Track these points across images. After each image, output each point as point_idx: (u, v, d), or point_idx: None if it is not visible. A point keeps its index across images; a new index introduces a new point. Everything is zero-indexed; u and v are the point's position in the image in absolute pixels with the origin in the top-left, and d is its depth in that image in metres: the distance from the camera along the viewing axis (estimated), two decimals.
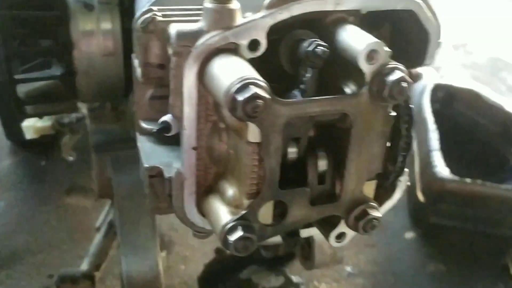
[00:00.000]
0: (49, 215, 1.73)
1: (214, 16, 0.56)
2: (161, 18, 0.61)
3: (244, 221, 0.58)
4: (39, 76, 0.96)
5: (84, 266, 1.41)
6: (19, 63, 1.14)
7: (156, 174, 0.70)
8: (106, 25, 0.95)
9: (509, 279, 1.69)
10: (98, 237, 1.46)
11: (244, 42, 0.57)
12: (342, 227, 0.66)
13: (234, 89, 0.50)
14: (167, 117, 0.67)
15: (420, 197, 1.72)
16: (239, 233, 0.57)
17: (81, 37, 0.94)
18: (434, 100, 1.93)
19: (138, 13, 0.67)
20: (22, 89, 0.98)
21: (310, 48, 0.55)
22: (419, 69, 0.65)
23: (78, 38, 0.94)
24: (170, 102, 0.59)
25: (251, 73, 0.52)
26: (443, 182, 1.59)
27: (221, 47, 0.56)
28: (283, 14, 0.58)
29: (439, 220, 1.73)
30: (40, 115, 1.06)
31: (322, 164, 0.61)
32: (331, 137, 0.62)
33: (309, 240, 1.12)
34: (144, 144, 0.75)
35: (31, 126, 1.64)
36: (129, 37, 0.98)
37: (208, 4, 0.57)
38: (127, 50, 0.98)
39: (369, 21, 0.63)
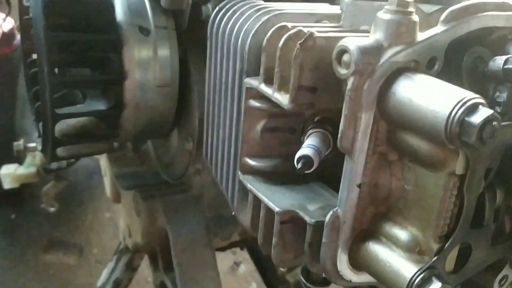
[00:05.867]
0: (28, 277, 1.48)
1: (397, 29, 0.48)
2: (318, 34, 0.52)
3: (433, 271, 0.49)
4: (82, 111, 0.81)
5: None
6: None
7: (288, 219, 0.59)
8: (164, 52, 0.83)
9: None
10: None
11: (424, 59, 0.50)
12: (506, 270, 0.59)
13: (461, 111, 0.43)
14: (306, 151, 0.57)
15: None
16: (437, 286, 0.48)
17: (136, 66, 0.81)
18: None
19: (260, 39, 0.58)
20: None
21: (511, 65, 0.49)
22: None
23: (132, 66, 0.81)
24: (342, 130, 0.49)
25: (469, 92, 0.44)
26: None
27: (401, 66, 0.49)
28: (463, 28, 0.52)
29: None
30: (70, 158, 0.89)
31: (500, 198, 0.55)
32: (503, 170, 0.55)
33: None
34: (256, 185, 0.63)
35: (10, 174, 1.41)
36: (183, 65, 0.88)
37: (387, 15, 0.49)
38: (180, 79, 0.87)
39: None
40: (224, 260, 1.66)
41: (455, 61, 0.54)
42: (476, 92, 0.53)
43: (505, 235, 0.57)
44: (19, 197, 1.67)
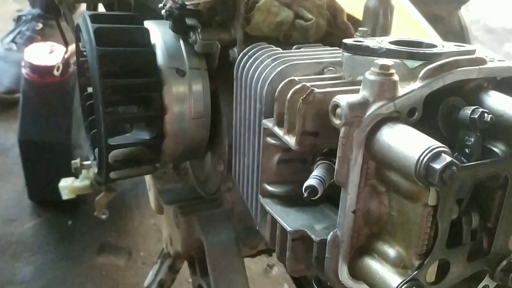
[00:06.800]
0: (83, 278, 1.67)
1: (380, 87, 0.60)
2: (318, 90, 0.64)
3: (415, 282, 0.60)
4: (130, 141, 0.96)
5: None
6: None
7: (298, 237, 0.71)
8: (198, 89, 0.97)
9: None
10: None
11: (404, 110, 0.61)
12: (486, 281, 0.69)
13: (426, 158, 0.53)
14: (312, 182, 0.70)
15: None
16: None
17: (174, 102, 0.96)
18: None
19: (275, 87, 0.71)
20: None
21: (475, 115, 0.59)
22: None
23: (171, 102, 0.96)
24: (337, 168, 0.61)
25: (435, 141, 0.55)
26: None
27: (385, 116, 0.60)
28: (438, 83, 0.62)
29: None
30: (121, 179, 1.05)
31: (475, 221, 0.65)
32: (479, 196, 0.65)
33: None
34: (273, 207, 0.76)
35: (68, 186, 1.60)
36: (214, 99, 1.01)
37: (371, 76, 0.60)
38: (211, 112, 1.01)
39: (500, 87, 0.68)
40: (258, 263, 1.79)
41: (433, 108, 0.65)
42: (449, 135, 0.65)
43: (483, 251, 0.67)
44: (75, 205, 1.86)
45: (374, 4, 0.90)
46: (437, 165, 0.53)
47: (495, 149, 0.64)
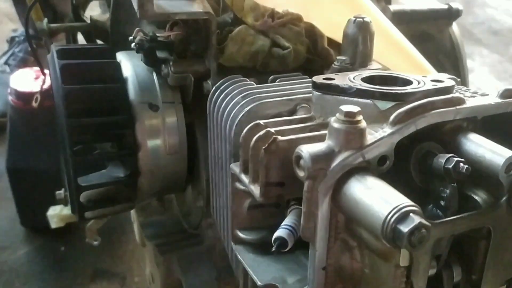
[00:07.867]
0: None
1: (346, 137, 0.55)
2: (281, 138, 0.59)
3: None
4: (103, 181, 0.92)
5: None
6: None
7: None
8: (172, 124, 0.93)
9: None
10: None
11: (374, 159, 0.56)
12: None
13: (393, 219, 0.48)
14: (281, 233, 0.65)
15: None
16: None
17: (147, 138, 0.92)
18: None
19: (243, 128, 0.66)
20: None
21: (450, 165, 0.54)
22: None
23: (144, 139, 0.92)
24: (303, 224, 0.56)
25: (404, 199, 0.50)
26: None
27: (352, 167, 0.55)
28: (410, 129, 0.57)
29: None
30: (97, 218, 1.01)
31: (457, 276, 0.60)
32: (461, 248, 0.60)
33: None
34: (245, 256, 0.71)
35: (56, 215, 1.57)
36: (191, 133, 0.97)
37: (337, 125, 0.55)
38: (189, 145, 0.96)
39: (483, 126, 0.63)
40: None
41: (409, 151, 0.60)
42: (424, 184, 0.60)
43: None
44: (68, 230, 1.82)
45: (352, 31, 0.85)
46: (405, 228, 0.48)
47: (476, 197, 0.59)
